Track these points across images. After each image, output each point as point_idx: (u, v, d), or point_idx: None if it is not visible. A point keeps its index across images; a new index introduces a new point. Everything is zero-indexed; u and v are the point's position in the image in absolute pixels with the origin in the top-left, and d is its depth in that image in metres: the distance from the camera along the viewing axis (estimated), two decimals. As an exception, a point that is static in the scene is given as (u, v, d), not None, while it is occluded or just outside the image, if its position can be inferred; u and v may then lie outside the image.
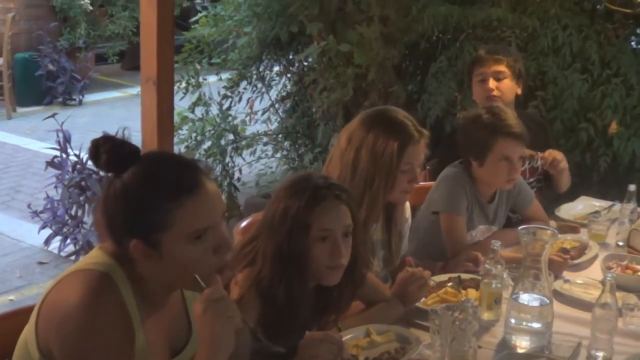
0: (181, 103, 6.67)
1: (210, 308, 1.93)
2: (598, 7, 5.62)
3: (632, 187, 3.86)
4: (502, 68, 4.14)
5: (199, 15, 7.08)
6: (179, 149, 6.39)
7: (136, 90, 4.53)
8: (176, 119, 6.22)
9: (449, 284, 3.06)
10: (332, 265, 2.44)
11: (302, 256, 2.39)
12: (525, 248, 2.63)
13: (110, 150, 1.95)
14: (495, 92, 4.10)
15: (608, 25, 5.68)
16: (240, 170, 6.95)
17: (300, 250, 2.38)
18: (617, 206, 4.02)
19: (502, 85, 4.13)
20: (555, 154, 4.13)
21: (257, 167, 7.25)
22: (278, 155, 7.17)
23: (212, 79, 7.09)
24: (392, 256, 3.20)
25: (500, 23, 5.58)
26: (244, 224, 3.21)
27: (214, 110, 6.88)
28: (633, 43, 5.99)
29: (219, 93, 6.90)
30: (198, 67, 6.86)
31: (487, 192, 3.63)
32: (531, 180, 4.22)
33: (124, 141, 1.98)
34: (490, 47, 4.39)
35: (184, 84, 6.76)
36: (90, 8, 12.04)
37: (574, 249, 3.55)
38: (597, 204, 4.28)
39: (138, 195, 1.94)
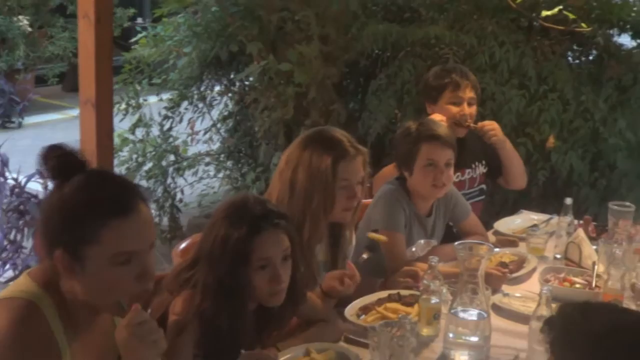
0: (121, 124, 6.61)
1: (133, 332, 1.93)
2: (535, 23, 5.70)
3: (568, 201, 3.94)
4: (474, 94, 4.27)
5: (139, 35, 7.05)
6: (119, 170, 6.35)
7: (77, 111, 4.50)
8: (116, 140, 6.19)
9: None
10: (272, 291, 2.46)
11: (244, 287, 2.41)
12: (462, 263, 2.67)
13: (59, 156, 1.98)
14: (469, 120, 4.21)
15: (545, 41, 5.78)
16: (182, 191, 6.92)
17: (241, 282, 2.40)
18: (555, 219, 4.09)
19: (473, 111, 4.26)
20: (486, 123, 4.27)
21: (199, 187, 7.21)
22: (220, 175, 7.15)
23: (152, 99, 7.06)
24: None
25: (438, 41, 5.65)
26: (183, 245, 3.21)
27: (155, 131, 6.85)
28: (570, 58, 6.11)
29: (159, 114, 6.87)
30: (138, 87, 6.82)
31: (424, 206, 3.67)
32: (471, 190, 4.28)
33: (73, 150, 2.00)
34: (455, 68, 4.44)
35: (123, 105, 6.71)
36: (29, 29, 11.90)
37: (512, 262, 3.61)
38: (536, 217, 4.35)
39: (72, 205, 1.95)
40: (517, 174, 4.40)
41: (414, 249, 3.60)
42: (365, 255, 3.23)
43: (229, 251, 2.38)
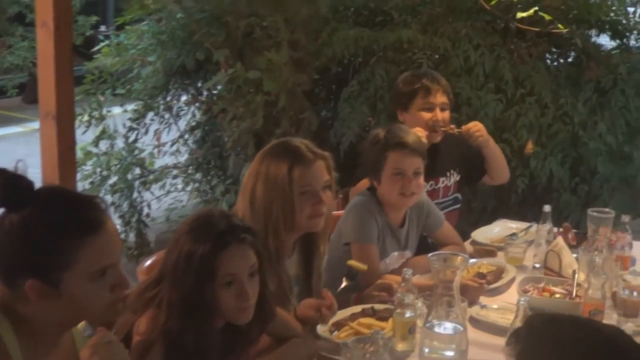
0: (84, 137, 6.60)
1: (98, 352, 1.93)
2: (511, 25, 5.74)
3: (547, 208, 3.97)
4: (446, 99, 4.28)
5: (102, 44, 7.04)
6: (83, 185, 6.32)
7: (39, 124, 4.50)
8: (79, 154, 6.17)
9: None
10: (240, 308, 2.46)
11: (210, 304, 2.41)
12: (436, 275, 2.69)
13: (2, 184, 1.95)
14: (442, 125, 4.23)
15: (521, 43, 5.81)
16: (149, 206, 6.90)
17: (207, 299, 2.40)
18: (534, 227, 4.11)
19: (446, 116, 4.27)
20: (470, 125, 4.30)
21: (166, 201, 7.19)
22: (189, 188, 7.13)
23: (116, 110, 7.04)
24: (310, 294, 3.17)
25: (411, 45, 5.69)
26: (148, 262, 3.21)
27: (120, 143, 6.83)
28: (548, 61, 6.16)
29: (124, 125, 6.85)
30: (101, 98, 6.80)
31: (396, 217, 3.69)
32: (445, 199, 4.31)
33: (17, 175, 1.98)
34: (426, 72, 4.47)
35: (86, 117, 6.68)
36: (-13, 39, 11.87)
37: (490, 273, 3.63)
38: (514, 226, 4.38)
39: (40, 233, 1.93)
40: (502, 168, 4.50)
41: (387, 262, 3.62)
42: (346, 283, 3.25)
43: (194, 267, 2.38)
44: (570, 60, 6.19)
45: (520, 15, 5.21)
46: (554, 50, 6.18)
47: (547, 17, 5.17)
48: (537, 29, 5.49)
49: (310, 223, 3.07)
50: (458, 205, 4.42)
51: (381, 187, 3.60)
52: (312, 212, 3.03)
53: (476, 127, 4.29)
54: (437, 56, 5.67)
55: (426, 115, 4.22)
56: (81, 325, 2.17)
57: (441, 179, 4.30)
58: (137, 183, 6.81)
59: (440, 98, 4.24)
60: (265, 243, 2.83)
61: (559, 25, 5.34)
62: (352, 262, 3.31)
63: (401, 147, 3.54)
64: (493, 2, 5.25)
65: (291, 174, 2.96)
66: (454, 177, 4.36)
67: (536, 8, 5.21)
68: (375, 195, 3.64)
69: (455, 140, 4.43)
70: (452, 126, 4.28)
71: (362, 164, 4.11)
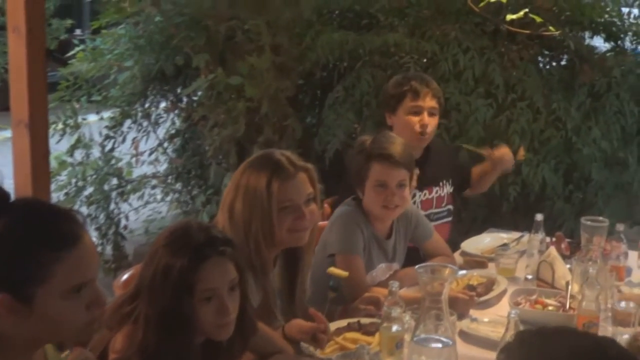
0: (58, 146, 6.59)
1: None
2: (502, 28, 5.75)
3: (539, 217, 3.98)
4: (435, 104, 4.28)
5: (77, 49, 7.03)
6: (57, 196, 6.32)
7: (10, 133, 4.48)
8: (53, 164, 6.16)
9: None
10: (220, 323, 2.46)
11: (189, 319, 2.40)
12: (424, 288, 2.69)
13: None
14: (429, 129, 4.23)
15: (512, 46, 5.83)
16: (126, 217, 6.90)
17: (185, 314, 2.40)
18: (526, 237, 4.13)
19: (434, 122, 4.28)
20: (504, 152, 4.45)
21: (145, 212, 7.19)
22: (168, 198, 7.13)
23: (92, 118, 7.03)
24: (294, 309, 3.18)
25: (398, 49, 5.70)
26: (125, 276, 3.20)
27: (96, 153, 6.82)
28: (541, 64, 6.18)
29: (100, 134, 6.84)
30: (76, 105, 6.79)
31: (382, 228, 3.69)
32: (439, 210, 4.32)
33: None
34: (416, 75, 4.49)
35: (60, 125, 6.67)
36: (-44, 44, 11.82)
37: (480, 285, 3.63)
38: (505, 236, 4.39)
39: (14, 245, 1.91)
40: (489, 184, 4.61)
41: (374, 274, 3.63)
42: (330, 295, 3.24)
43: (172, 282, 2.38)
44: (563, 63, 6.22)
45: (509, 17, 5.22)
46: (546, 53, 6.21)
47: (538, 19, 5.19)
48: (528, 32, 5.51)
49: (292, 238, 3.06)
50: (450, 218, 4.42)
51: (365, 198, 3.61)
52: (293, 226, 3.02)
53: (509, 156, 4.32)
54: (424, 60, 5.69)
55: (413, 119, 4.23)
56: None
57: (434, 189, 4.32)
58: (114, 194, 6.80)
59: (429, 102, 4.24)
60: (247, 257, 2.83)
61: (550, 28, 5.35)
62: (333, 270, 3.31)
63: (385, 158, 3.53)
64: (482, 4, 5.26)
65: (270, 188, 2.95)
66: (447, 188, 4.36)
67: (526, 10, 5.23)
68: (360, 205, 3.65)
69: (445, 149, 4.44)
70: (488, 149, 4.37)
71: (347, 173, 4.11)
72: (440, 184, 4.35)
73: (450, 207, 4.41)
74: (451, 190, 4.41)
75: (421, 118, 4.22)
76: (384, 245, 3.69)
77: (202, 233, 2.47)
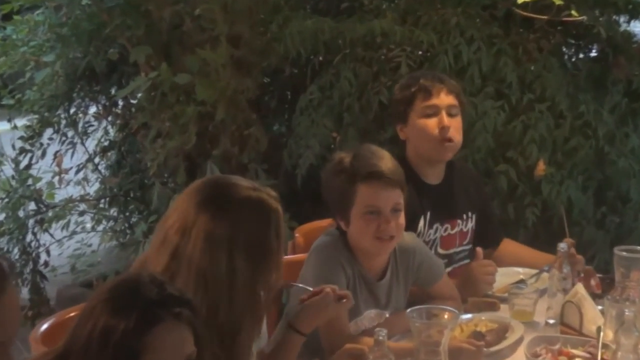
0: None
1: None
2: (515, 11, 5.73)
3: (563, 246, 3.92)
4: (454, 100, 4.21)
5: (-18, 40, 7.04)
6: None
7: None
8: (-49, 184, 6.17)
9: None
10: None
11: None
12: (417, 336, 2.72)
13: None
14: (452, 132, 4.13)
15: (528, 35, 5.82)
16: (47, 252, 6.89)
17: None
18: (548, 272, 4.12)
19: (457, 124, 4.18)
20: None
21: (71, 245, 7.19)
22: (100, 227, 7.13)
23: (2, 127, 7.04)
24: None
25: (387, 39, 5.70)
26: (45, 326, 3.19)
27: (8, 170, 6.83)
28: (565, 57, 6.20)
29: (13, 147, 6.85)
30: (-19, 111, 6.82)
31: (374, 266, 3.65)
32: (462, 249, 4.30)
33: None
34: (426, 73, 4.48)
35: (-40, 137, 6.70)
36: None
37: (490, 332, 3.63)
38: (522, 270, 4.38)
39: None
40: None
41: (359, 321, 3.60)
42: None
43: (111, 348, 2.31)
44: (592, 55, 6.24)
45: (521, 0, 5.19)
46: (571, 42, 6.23)
47: (558, 1, 5.13)
48: (546, 17, 5.50)
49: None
50: (469, 260, 4.39)
51: (351, 229, 3.57)
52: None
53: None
54: (419, 53, 5.69)
55: (429, 122, 4.15)
56: None
57: (457, 222, 4.29)
58: (31, 222, 6.79)
59: (446, 98, 4.17)
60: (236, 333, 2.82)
61: (572, 12, 5.33)
62: None
63: (375, 178, 3.49)
64: (490, -18, 5.28)
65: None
66: (471, 222, 4.34)
67: (544, -11, 5.24)
68: (345, 236, 3.63)
69: (471, 173, 4.43)
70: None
71: (324, 198, 3.92)
72: (464, 216, 4.32)
73: (471, 246, 4.39)
74: (474, 225, 4.38)
75: (439, 119, 4.14)
76: (374, 288, 3.65)
77: (155, 288, 2.42)
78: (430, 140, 4.14)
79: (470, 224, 4.35)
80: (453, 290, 3.91)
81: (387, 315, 3.68)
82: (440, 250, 4.16)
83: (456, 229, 4.28)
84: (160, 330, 2.33)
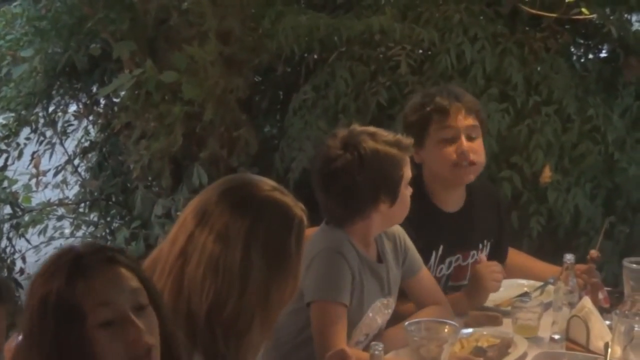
0: None
1: None
2: (521, 8, 5.76)
3: (569, 258, 3.93)
4: (473, 121, 4.09)
5: (-45, 34, 7.04)
6: None
7: None
8: None
9: None
10: (134, 355, 2.27)
11: (86, 355, 2.25)
12: (416, 351, 2.74)
13: None
14: (472, 157, 4.03)
15: (535, 34, 5.85)
16: (23, 259, 6.89)
17: (80, 350, 2.25)
18: (553, 285, 4.14)
19: (477, 146, 4.08)
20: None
21: (48, 252, 7.16)
22: (80, 233, 7.12)
23: (-23, 126, 7.05)
24: None
25: (385, 37, 5.72)
26: (21, 337, 3.20)
27: (-18, 172, 6.84)
28: (574, 57, 6.22)
29: (-12, 147, 6.86)
30: (-46, 110, 6.82)
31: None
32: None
33: None
34: (441, 89, 4.28)
35: None
36: None
37: (492, 347, 3.65)
38: (526, 283, 4.40)
39: None
40: None
41: (370, 315, 3.61)
42: None
43: (51, 312, 2.27)
44: (602, 55, 6.26)
45: (529, -5, 5.21)
46: (580, 42, 6.25)
47: None
48: (554, 15, 5.52)
49: None
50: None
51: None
52: None
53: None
54: (420, 51, 5.71)
55: (447, 150, 4.03)
56: None
57: (472, 253, 4.26)
58: (6, 226, 6.79)
59: (465, 120, 4.04)
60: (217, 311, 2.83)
61: (582, 10, 5.35)
62: None
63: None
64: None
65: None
66: (485, 250, 4.31)
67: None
68: (342, 225, 3.63)
69: (487, 192, 4.39)
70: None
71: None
72: (480, 245, 4.29)
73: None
74: (488, 252, 4.32)
75: (459, 145, 4.02)
76: (377, 271, 3.68)
77: (88, 246, 2.39)
78: (450, 169, 4.06)
79: (485, 252, 4.29)
80: (436, 288, 3.92)
81: (392, 305, 3.70)
82: (450, 283, 4.16)
83: (468, 260, 4.24)
84: (91, 274, 2.29)
